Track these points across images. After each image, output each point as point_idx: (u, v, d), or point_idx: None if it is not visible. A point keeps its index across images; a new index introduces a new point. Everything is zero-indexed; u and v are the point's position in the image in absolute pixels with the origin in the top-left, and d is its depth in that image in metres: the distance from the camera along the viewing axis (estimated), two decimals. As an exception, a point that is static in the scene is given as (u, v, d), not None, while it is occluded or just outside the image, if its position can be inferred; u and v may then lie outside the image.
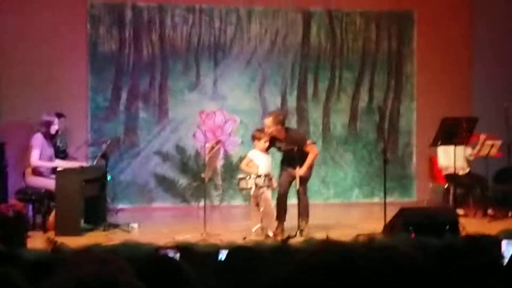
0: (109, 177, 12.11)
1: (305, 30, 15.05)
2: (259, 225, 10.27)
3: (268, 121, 10.76)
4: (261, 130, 11.00)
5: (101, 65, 14.30)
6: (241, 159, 14.50)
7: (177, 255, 5.57)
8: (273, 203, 10.64)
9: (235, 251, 5.12)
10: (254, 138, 11.00)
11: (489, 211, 12.49)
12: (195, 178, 14.26)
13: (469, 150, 12.88)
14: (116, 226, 11.30)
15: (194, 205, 14.33)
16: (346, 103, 15.16)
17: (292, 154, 10.71)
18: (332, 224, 11.30)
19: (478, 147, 12.78)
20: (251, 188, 10.51)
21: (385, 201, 10.82)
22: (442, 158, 12.92)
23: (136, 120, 14.45)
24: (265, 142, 10.82)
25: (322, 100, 15.10)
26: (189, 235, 10.01)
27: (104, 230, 11.03)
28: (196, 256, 5.70)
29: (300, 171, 10.57)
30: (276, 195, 10.78)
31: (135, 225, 11.38)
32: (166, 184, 14.55)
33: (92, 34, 14.29)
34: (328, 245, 2.20)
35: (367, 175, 15.08)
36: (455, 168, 11.59)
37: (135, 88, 14.45)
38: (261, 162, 10.79)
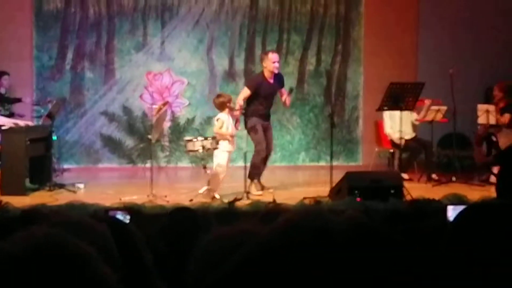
0: (54, 137, 11.97)
1: (254, -8, 14.99)
2: (205, 187, 10.27)
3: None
4: (222, 95, 11.01)
5: (47, 24, 14.08)
6: (188, 121, 14.51)
7: (127, 217, 5.57)
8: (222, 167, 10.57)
9: (176, 212, 5.12)
10: (223, 103, 10.83)
11: (434, 176, 12.63)
12: (142, 139, 14.19)
13: (414, 115, 12.99)
14: (61, 186, 11.21)
15: (140, 166, 14.28)
16: (293, 66, 15.16)
17: None
18: (278, 187, 11.35)
19: (423, 112, 12.90)
20: (198, 150, 10.49)
21: (331, 165, 10.88)
22: (388, 125, 13.01)
23: (82, 80, 14.30)
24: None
25: (270, 63, 15.07)
26: (136, 196, 9.96)
27: (49, 190, 10.92)
28: (144, 218, 5.71)
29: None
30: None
31: (81, 186, 11.30)
32: (112, 145, 14.47)
33: (38, -8, 14.06)
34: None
35: (314, 139, 15.14)
36: (401, 133, 11.69)
37: (81, 48, 14.28)
38: (230, 124, 10.73)
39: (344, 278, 1.27)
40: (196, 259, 2.29)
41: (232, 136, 10.66)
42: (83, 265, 1.63)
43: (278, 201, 9.21)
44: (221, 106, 10.73)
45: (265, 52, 11.86)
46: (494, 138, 12.67)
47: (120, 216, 5.54)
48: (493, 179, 12.40)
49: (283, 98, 11.41)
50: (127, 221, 5.34)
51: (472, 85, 14.67)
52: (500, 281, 2.34)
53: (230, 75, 14.92)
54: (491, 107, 12.69)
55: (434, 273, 1.30)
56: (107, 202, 9.01)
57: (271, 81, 11.22)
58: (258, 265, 1.32)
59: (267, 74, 11.23)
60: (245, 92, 11.16)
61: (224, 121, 10.64)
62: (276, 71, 11.22)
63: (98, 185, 12.03)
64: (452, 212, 5.52)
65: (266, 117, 11.26)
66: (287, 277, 1.28)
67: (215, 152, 10.57)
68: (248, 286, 1.32)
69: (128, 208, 5.82)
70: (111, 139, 14.46)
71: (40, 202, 9.15)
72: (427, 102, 12.81)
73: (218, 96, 11.03)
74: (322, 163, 14.49)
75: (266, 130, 11.28)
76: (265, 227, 2.06)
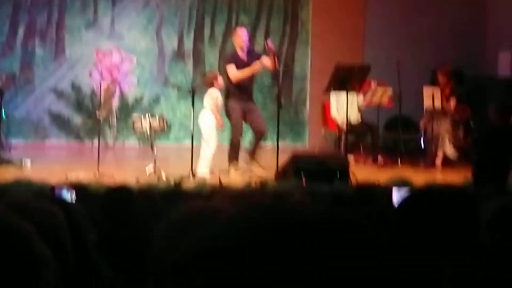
0: (3, 114, 11.89)
1: (203, -28, 14.98)
2: (151, 165, 10.31)
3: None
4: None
5: (-2, 0, 13.96)
6: (136, 100, 14.50)
7: (73, 195, 5.60)
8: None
9: (112, 192, 5.17)
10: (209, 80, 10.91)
11: (379, 159, 12.76)
12: (90, 116, 14.14)
13: (361, 99, 13.09)
14: (8, 162, 11.17)
15: (88, 144, 14.25)
16: (241, 47, 15.18)
17: None
18: (225, 167, 11.40)
19: (369, 96, 12.98)
20: (145, 129, 10.53)
21: (277, 146, 10.93)
22: (334, 108, 13.09)
23: (33, 57, 14.21)
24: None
25: (219, 43, 15.11)
26: (82, 173, 9.97)
27: (-4, 166, 10.88)
28: (89, 196, 5.74)
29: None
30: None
31: (28, 162, 11.25)
32: (60, 122, 14.41)
33: (-13, -33, 13.91)
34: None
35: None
36: (347, 116, 11.79)
37: (32, 24, 14.17)
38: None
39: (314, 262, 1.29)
40: (159, 237, 2.33)
41: None
42: (18, 242, 1.70)
43: (224, 182, 9.28)
44: (209, 83, 10.86)
45: (234, 29, 11.88)
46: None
47: (65, 193, 5.57)
48: (438, 162, 12.64)
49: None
50: (73, 199, 5.38)
51: (418, 67, 14.79)
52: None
53: (179, 54, 14.93)
54: (436, 90, 12.81)
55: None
56: (53, 179, 9.01)
57: (245, 58, 11.19)
58: (228, 245, 1.31)
59: (238, 51, 11.24)
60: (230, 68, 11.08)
61: (217, 97, 10.76)
62: (244, 47, 11.17)
63: (45, 161, 11.99)
64: (396, 195, 5.61)
65: (245, 98, 11.20)
66: (257, 259, 1.28)
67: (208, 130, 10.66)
68: (214, 266, 1.31)
69: (74, 186, 5.84)
70: (60, 116, 14.39)
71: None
72: (372, 85, 12.90)
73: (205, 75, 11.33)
74: (269, 144, 14.55)
75: (249, 112, 11.27)
76: (234, 207, 2.13)
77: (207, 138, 10.75)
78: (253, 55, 11.35)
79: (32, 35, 14.19)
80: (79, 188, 5.90)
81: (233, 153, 11.17)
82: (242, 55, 11.20)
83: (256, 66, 11.01)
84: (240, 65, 11.05)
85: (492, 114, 10.80)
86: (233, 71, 11.00)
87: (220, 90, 10.97)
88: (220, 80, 10.94)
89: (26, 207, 2.44)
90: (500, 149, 8.51)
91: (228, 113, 11.12)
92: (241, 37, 11.23)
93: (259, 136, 11.44)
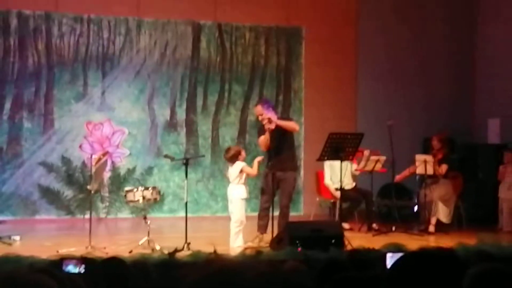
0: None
1: (194, 43, 15.04)
2: (146, 238, 10.15)
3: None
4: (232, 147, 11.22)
5: (-16, 73, 13.91)
6: (128, 171, 14.39)
7: (82, 267, 5.47)
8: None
9: (106, 263, 5.03)
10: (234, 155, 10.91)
11: (374, 226, 12.74)
12: (81, 190, 14.02)
13: (354, 166, 13.12)
14: (-4, 238, 10.95)
15: (79, 218, 14.07)
16: (235, 117, 15.20)
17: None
18: (220, 237, 11.24)
19: (363, 163, 13.05)
20: (138, 200, 10.41)
21: (272, 215, 10.86)
22: (328, 176, 13.13)
23: (20, 130, 14.10)
24: None
25: (211, 113, 15.10)
26: (74, 248, 9.79)
27: (-16, 242, 10.66)
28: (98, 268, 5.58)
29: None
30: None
31: (17, 238, 11.06)
32: (50, 196, 14.24)
33: (-24, 41, 13.91)
34: (215, 263, 2.16)
35: (256, 189, 15.07)
36: (341, 183, 11.74)
37: (19, 97, 14.10)
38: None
39: None
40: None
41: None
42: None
43: (219, 251, 9.12)
44: (234, 158, 10.87)
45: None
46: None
47: (72, 267, 5.45)
48: (431, 228, 12.61)
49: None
50: (82, 271, 5.29)
51: (409, 135, 14.93)
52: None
53: (171, 125, 14.89)
54: (429, 157, 12.90)
55: None
56: (44, 255, 8.82)
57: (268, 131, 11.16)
58: None
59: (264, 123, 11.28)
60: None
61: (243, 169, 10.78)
62: (264, 123, 11.14)
63: (35, 237, 11.78)
64: (390, 260, 5.54)
65: (275, 166, 11.10)
66: None
67: (237, 204, 10.73)
68: None
69: (83, 259, 5.71)
70: (49, 190, 14.24)
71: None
72: (366, 152, 12.96)
73: (227, 150, 11.13)
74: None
75: (279, 181, 11.19)
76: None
77: (235, 210, 10.76)
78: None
79: (20, 108, 14.10)
80: (88, 260, 5.77)
81: (259, 222, 11.24)
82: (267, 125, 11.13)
83: (267, 126, 11.00)
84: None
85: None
86: (259, 140, 11.29)
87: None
88: (243, 153, 10.99)
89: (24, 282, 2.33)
90: None
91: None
92: (257, 115, 11.37)
93: (281, 208, 11.30)
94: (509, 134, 14.78)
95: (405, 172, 13.15)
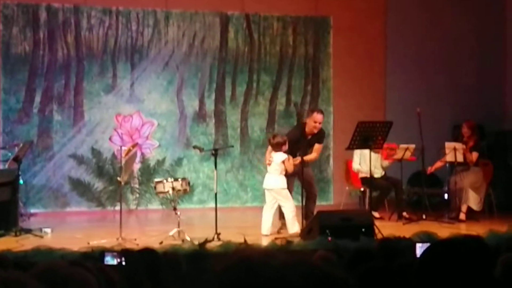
0: (21, 181, 11.81)
1: (222, 34, 15.04)
2: (176, 229, 10.18)
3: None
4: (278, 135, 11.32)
5: (14, 67, 14.00)
6: (158, 162, 14.44)
7: (121, 259, 5.53)
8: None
9: (138, 254, 5.06)
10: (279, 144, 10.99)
11: (404, 214, 12.68)
12: (111, 181, 14.09)
13: (385, 162, 13.09)
14: (28, 231, 10.99)
15: (110, 210, 14.14)
16: (263, 107, 15.19)
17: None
18: (250, 227, 11.25)
19: (393, 157, 13.03)
20: (168, 191, 10.45)
21: (302, 205, 10.89)
22: (356, 162, 13.10)
23: (50, 123, 14.18)
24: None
25: (240, 103, 15.10)
26: (104, 240, 9.83)
27: (15, 236, 10.70)
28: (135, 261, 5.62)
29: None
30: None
31: (48, 230, 11.13)
32: (81, 188, 14.32)
33: (5, 35, 13.99)
34: (242, 252, 2.15)
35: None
36: (370, 172, 11.70)
37: (49, 90, 14.18)
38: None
39: None
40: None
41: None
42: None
43: (250, 242, 9.13)
44: (279, 146, 10.93)
45: (311, 110, 11.91)
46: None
47: (111, 258, 5.52)
48: (462, 216, 12.53)
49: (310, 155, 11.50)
50: (122, 263, 5.36)
51: (439, 123, 14.84)
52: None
53: (200, 116, 14.90)
54: (458, 145, 12.80)
55: None
56: (75, 247, 8.89)
57: (309, 136, 11.45)
58: None
59: (307, 129, 11.44)
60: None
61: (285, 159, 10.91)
62: (314, 131, 11.38)
63: (66, 229, 11.85)
64: (420, 249, 5.51)
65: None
66: None
67: (284, 193, 10.87)
68: None
69: (123, 251, 5.77)
70: (80, 182, 14.31)
71: (5, 248, 8.99)
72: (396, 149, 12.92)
73: (274, 136, 11.20)
74: (294, 203, 14.39)
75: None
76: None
77: (284, 199, 10.88)
78: (318, 137, 11.60)
79: (50, 101, 14.17)
80: (127, 253, 5.83)
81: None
82: (308, 135, 11.45)
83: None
84: (301, 142, 11.37)
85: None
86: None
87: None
88: (286, 145, 11.03)
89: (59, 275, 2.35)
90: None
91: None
92: (315, 121, 11.36)
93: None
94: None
95: (437, 163, 13.07)
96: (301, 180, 11.13)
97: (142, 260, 5.00)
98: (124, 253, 5.62)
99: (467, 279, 2.65)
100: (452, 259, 2.72)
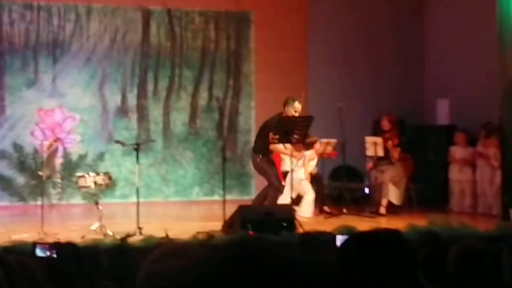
0: None
1: (144, 29, 15.03)
2: (98, 223, 10.20)
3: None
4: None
5: None
6: (80, 157, 14.38)
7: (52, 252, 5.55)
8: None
9: (58, 247, 5.10)
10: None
11: (325, 208, 12.84)
12: (33, 176, 13.96)
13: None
14: None
15: (32, 204, 14.02)
16: (186, 101, 15.23)
17: None
18: (172, 222, 11.32)
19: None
20: (90, 186, 10.46)
21: (224, 199, 10.98)
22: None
23: (-29, 118, 14.01)
24: None
25: (162, 98, 15.12)
26: (26, 234, 9.79)
27: None
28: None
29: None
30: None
31: (-32, 225, 11.03)
32: (2, 183, 14.20)
33: None
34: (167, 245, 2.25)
35: (207, 173, 15.20)
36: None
37: (-30, 85, 14.01)
38: None
39: None
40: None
41: None
42: None
43: (172, 236, 9.20)
44: (310, 145, 12.55)
45: (292, 99, 12.12)
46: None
47: (41, 251, 5.55)
48: (382, 210, 12.78)
49: None
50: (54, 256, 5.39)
51: (361, 118, 15.03)
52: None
53: (122, 110, 14.89)
54: (379, 140, 13.03)
55: None
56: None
57: None
58: None
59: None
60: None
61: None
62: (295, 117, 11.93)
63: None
64: (340, 242, 5.65)
65: None
66: None
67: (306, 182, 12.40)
68: None
69: (55, 244, 5.79)
70: (1, 177, 14.19)
71: None
72: (317, 145, 13.03)
73: (308, 137, 12.20)
74: (216, 197, 14.52)
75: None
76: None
77: (310, 187, 12.34)
78: None
79: (-29, 96, 14.02)
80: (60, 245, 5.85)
81: None
82: None
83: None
84: None
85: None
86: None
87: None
88: (318, 145, 12.74)
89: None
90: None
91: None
92: (295, 111, 11.97)
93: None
94: (458, 115, 14.89)
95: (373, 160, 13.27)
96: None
97: (68, 254, 5.05)
98: (55, 246, 5.65)
99: (384, 272, 2.73)
100: (370, 251, 2.81)
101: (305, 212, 12.01)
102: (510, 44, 12.39)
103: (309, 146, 12.42)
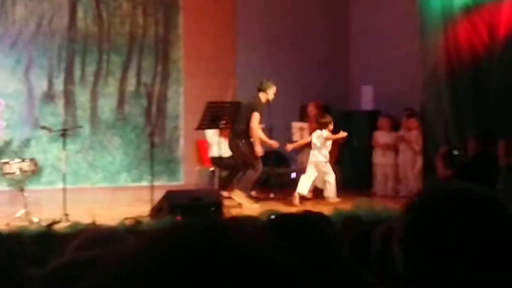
0: None
1: (71, 13, 14.86)
2: (23, 210, 10.10)
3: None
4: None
5: None
6: (6, 143, 14.17)
7: None
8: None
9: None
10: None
11: (253, 193, 12.93)
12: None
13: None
14: None
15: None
16: (114, 87, 15.14)
17: None
18: (99, 208, 11.27)
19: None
20: (15, 172, 10.35)
21: (152, 185, 10.99)
22: (211, 137, 13.17)
23: None
24: None
25: (90, 83, 14.99)
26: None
27: None
28: None
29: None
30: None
31: None
32: None
33: None
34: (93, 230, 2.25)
35: (136, 159, 15.15)
36: (219, 151, 11.90)
37: None
38: None
39: None
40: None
41: None
42: None
43: (99, 222, 9.17)
44: (325, 125, 12.66)
45: (272, 82, 12.45)
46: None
47: None
48: (309, 195, 12.93)
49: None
50: None
51: (288, 103, 15.13)
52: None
53: (49, 96, 14.72)
54: (305, 125, 13.19)
55: None
56: None
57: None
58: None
59: (264, 100, 12.25)
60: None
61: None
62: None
63: None
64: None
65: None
66: None
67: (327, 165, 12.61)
68: None
69: None
70: None
71: None
72: None
73: (323, 115, 12.94)
74: (144, 183, 14.45)
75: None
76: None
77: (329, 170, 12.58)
78: None
79: None
80: None
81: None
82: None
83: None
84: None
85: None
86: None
87: None
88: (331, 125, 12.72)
89: None
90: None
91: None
92: (274, 93, 12.38)
93: None
94: (382, 101, 15.20)
95: (299, 143, 13.37)
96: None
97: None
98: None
99: (308, 253, 2.79)
100: (294, 232, 2.86)
101: (333, 193, 12.46)
102: (432, 33, 12.70)
103: (324, 126, 12.57)
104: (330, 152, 13.24)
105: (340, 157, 14.08)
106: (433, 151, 12.24)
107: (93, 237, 2.46)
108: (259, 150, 12.02)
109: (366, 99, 15.90)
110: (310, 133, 13.11)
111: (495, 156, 10.51)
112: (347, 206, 10.66)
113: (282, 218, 3.21)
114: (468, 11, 12.29)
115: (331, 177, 12.52)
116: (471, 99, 12.20)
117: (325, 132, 12.55)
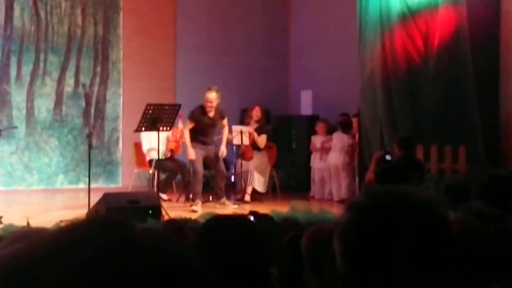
0: None
1: (7, 11, 14.61)
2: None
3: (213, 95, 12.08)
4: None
5: None
6: None
7: None
8: None
9: None
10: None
11: (191, 196, 12.89)
12: None
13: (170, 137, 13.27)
14: None
15: None
16: (51, 87, 14.94)
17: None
18: (35, 210, 11.11)
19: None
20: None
21: (89, 187, 10.87)
22: (146, 145, 13.16)
23: None
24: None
25: (26, 83, 14.77)
26: None
27: None
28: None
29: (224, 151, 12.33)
30: None
31: None
32: None
33: None
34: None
35: (73, 161, 14.98)
36: (158, 154, 11.84)
37: None
38: None
39: None
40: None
41: None
42: None
43: (34, 225, 9.03)
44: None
45: (208, 88, 12.30)
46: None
47: None
48: (247, 198, 12.99)
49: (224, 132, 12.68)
50: None
51: (228, 106, 15.14)
52: None
53: (-16, 96, 14.49)
54: (245, 128, 13.23)
55: None
56: None
57: (211, 114, 12.18)
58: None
59: (206, 108, 12.15)
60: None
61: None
62: (207, 110, 12.12)
63: None
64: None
65: (205, 143, 12.31)
66: None
67: None
68: None
69: None
70: None
71: None
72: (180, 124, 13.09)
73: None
74: (81, 186, 14.33)
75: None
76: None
77: None
78: (220, 114, 12.45)
79: None
80: None
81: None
82: (209, 113, 12.21)
83: None
84: (205, 121, 12.28)
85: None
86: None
87: None
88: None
89: None
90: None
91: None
92: (206, 101, 12.18)
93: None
94: (320, 106, 15.37)
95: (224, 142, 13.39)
96: (210, 157, 12.26)
97: None
98: None
99: (237, 255, 2.82)
100: (225, 235, 2.91)
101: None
102: (369, 40, 12.92)
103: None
104: (269, 156, 13.35)
105: (279, 161, 14.17)
106: (368, 156, 12.41)
107: (17, 236, 2.41)
108: (190, 152, 12.05)
109: (305, 104, 16.07)
110: (251, 136, 13.15)
111: (415, 159, 10.75)
112: (284, 208, 10.70)
113: (217, 220, 3.23)
114: (405, 19, 12.53)
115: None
116: (405, 106, 12.44)
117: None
